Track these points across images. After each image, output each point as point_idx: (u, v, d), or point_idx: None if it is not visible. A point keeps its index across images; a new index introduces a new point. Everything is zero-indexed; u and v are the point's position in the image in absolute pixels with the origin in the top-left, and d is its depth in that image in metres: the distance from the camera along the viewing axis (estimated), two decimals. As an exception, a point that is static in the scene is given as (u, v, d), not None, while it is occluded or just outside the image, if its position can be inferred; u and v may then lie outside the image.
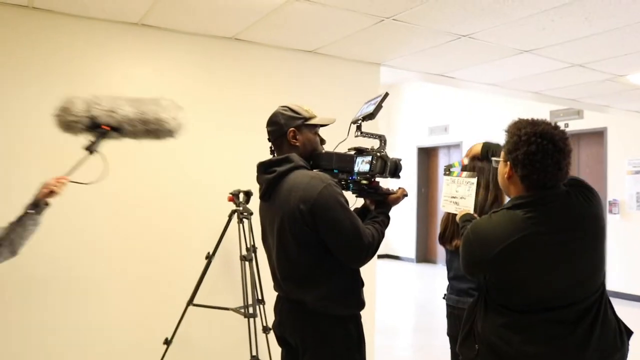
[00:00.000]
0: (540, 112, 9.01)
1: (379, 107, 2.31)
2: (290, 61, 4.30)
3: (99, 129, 2.38)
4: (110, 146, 3.52)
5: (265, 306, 3.75)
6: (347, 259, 2.12)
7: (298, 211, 2.05)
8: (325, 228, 2.06)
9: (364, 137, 2.37)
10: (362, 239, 2.08)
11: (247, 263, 3.54)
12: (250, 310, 3.45)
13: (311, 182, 2.08)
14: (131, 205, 3.68)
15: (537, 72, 5.00)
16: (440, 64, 4.75)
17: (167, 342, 3.57)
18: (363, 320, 2.25)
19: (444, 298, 2.95)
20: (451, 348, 2.97)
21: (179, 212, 3.85)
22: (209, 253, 3.65)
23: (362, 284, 2.26)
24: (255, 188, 3.71)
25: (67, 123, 2.35)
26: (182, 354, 3.73)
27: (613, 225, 8.45)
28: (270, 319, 3.71)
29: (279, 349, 3.91)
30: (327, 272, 2.13)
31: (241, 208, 3.64)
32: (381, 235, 2.22)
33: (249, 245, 3.61)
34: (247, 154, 4.09)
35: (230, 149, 4.02)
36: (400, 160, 2.44)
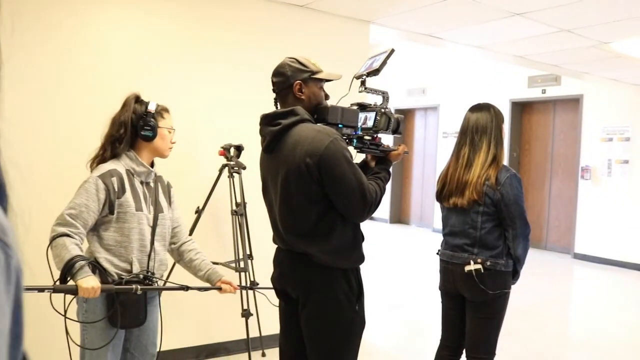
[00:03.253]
0: (518, 77, 9.11)
1: (384, 64, 2.30)
2: (281, 15, 4.22)
3: None
4: (97, 99, 3.46)
5: (254, 261, 3.76)
6: (350, 213, 2.15)
7: (304, 165, 2.06)
8: (331, 182, 2.07)
9: (368, 92, 2.35)
10: (366, 195, 2.10)
11: (237, 218, 3.53)
12: (241, 264, 3.46)
13: (318, 136, 2.07)
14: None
15: (525, 35, 5.01)
16: (430, 24, 4.72)
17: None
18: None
19: (437, 254, 3.01)
20: (442, 302, 3.04)
21: (168, 166, 3.79)
22: (198, 207, 3.63)
23: (363, 238, 2.29)
24: (246, 142, 3.72)
25: None
26: (170, 309, 3.73)
27: (584, 191, 8.68)
28: (258, 274, 3.75)
29: (265, 303, 3.96)
30: (331, 226, 2.14)
31: (232, 162, 3.61)
32: (383, 191, 2.25)
33: (239, 200, 3.60)
34: (238, 107, 4.06)
35: (220, 103, 3.97)
36: (402, 117, 2.45)
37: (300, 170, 2.07)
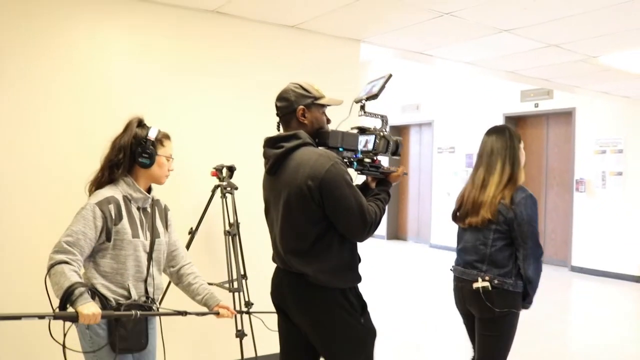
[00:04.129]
0: (511, 91, 9.18)
1: (382, 88, 2.41)
2: (272, 36, 4.27)
3: None
4: (89, 120, 3.49)
5: (248, 281, 3.76)
6: (351, 234, 2.22)
7: (306, 187, 2.14)
8: (332, 204, 2.15)
9: (367, 116, 2.44)
10: (366, 216, 2.18)
11: (230, 238, 3.55)
12: (235, 284, 3.47)
13: (319, 160, 2.16)
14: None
15: (514, 51, 5.07)
16: (420, 41, 4.78)
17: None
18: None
19: (451, 270, 3.06)
20: (464, 323, 3.05)
21: (161, 188, 3.81)
22: (192, 228, 3.64)
23: (359, 259, 2.33)
24: (238, 162, 3.75)
25: None
26: (165, 330, 3.71)
27: (579, 203, 8.70)
28: (252, 294, 3.75)
29: (259, 324, 3.95)
30: (328, 246, 2.21)
31: (225, 183, 3.63)
32: (382, 212, 2.32)
33: (232, 220, 3.62)
34: (230, 128, 4.09)
35: (213, 124, 4.00)
36: (400, 139, 2.51)
37: (302, 192, 2.15)
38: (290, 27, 4.33)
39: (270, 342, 4.14)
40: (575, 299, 7.63)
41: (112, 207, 2.25)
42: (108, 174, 2.33)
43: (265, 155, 2.35)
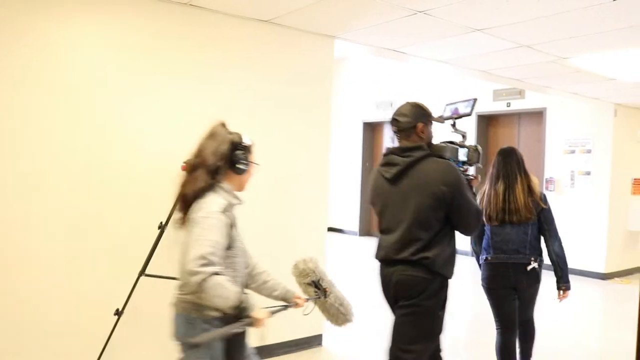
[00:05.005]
0: (483, 90, 9.27)
1: (473, 109, 2.96)
2: (245, 30, 4.24)
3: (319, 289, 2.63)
4: (65, 118, 3.43)
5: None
6: (466, 229, 2.77)
7: (439, 191, 2.61)
8: (458, 204, 2.66)
9: (456, 132, 3.03)
10: (479, 216, 2.79)
11: (201, 233, 3.51)
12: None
13: (448, 169, 2.67)
14: (81, 174, 3.57)
15: (486, 51, 5.12)
16: (394, 39, 4.79)
17: (119, 313, 3.52)
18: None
19: (487, 260, 3.70)
20: (495, 297, 3.76)
21: (130, 181, 3.77)
22: (161, 223, 3.60)
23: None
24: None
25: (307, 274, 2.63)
26: (133, 325, 3.68)
27: (549, 202, 8.82)
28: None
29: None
30: (444, 235, 2.70)
31: (195, 178, 3.59)
32: None
33: (202, 216, 3.58)
34: (201, 123, 4.04)
35: (183, 118, 3.95)
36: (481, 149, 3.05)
37: (435, 195, 2.62)
38: (264, 22, 4.31)
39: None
40: (543, 296, 7.73)
41: (230, 214, 2.25)
42: (209, 182, 2.26)
43: (391, 161, 2.77)
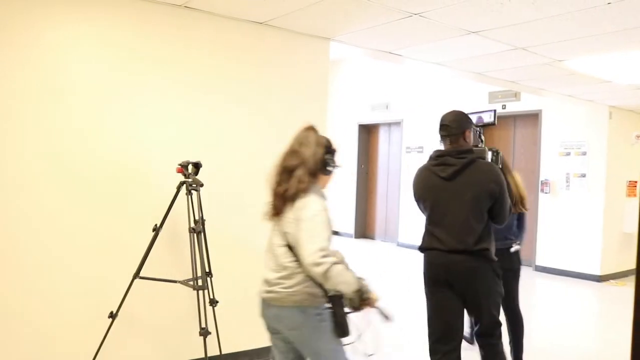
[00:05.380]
0: (479, 92, 9.29)
1: (495, 118, 3.69)
2: (241, 32, 4.23)
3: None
4: (58, 119, 3.42)
5: (213, 279, 3.73)
6: (502, 220, 3.18)
7: (490, 188, 3.09)
8: (502, 199, 3.12)
9: (479, 138, 3.49)
10: (510, 208, 3.23)
11: (195, 235, 3.51)
12: (200, 282, 3.43)
13: (494, 169, 3.18)
14: (77, 176, 3.56)
15: (481, 53, 5.12)
16: (389, 41, 4.79)
17: (113, 316, 3.51)
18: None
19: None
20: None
21: (126, 184, 3.76)
22: (156, 225, 3.59)
23: None
24: (203, 160, 3.71)
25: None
26: (127, 328, 3.67)
27: (544, 204, 8.85)
28: (217, 291, 3.72)
29: (226, 322, 3.93)
30: (489, 227, 3.17)
31: (190, 179, 3.59)
32: None
33: (197, 217, 3.58)
34: (196, 124, 4.04)
35: (179, 120, 3.95)
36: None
37: (488, 192, 3.09)
38: (259, 24, 4.30)
39: (235, 340, 4.14)
40: (539, 298, 7.76)
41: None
42: (311, 182, 2.45)
43: (446, 162, 3.16)
